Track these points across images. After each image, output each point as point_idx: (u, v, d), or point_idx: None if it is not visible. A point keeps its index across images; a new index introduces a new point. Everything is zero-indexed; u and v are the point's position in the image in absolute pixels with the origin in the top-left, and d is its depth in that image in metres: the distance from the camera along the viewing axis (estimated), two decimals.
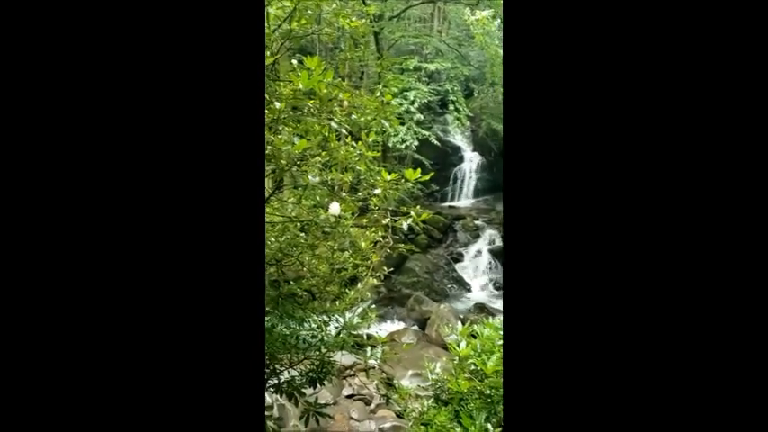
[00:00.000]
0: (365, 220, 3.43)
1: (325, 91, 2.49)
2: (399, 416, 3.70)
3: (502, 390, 2.51)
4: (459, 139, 14.71)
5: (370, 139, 2.99)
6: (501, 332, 2.80)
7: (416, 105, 10.13)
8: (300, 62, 2.40)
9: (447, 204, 14.51)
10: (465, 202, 14.85)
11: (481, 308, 8.92)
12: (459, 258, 11.39)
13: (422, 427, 2.56)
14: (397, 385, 3.12)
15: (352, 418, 4.51)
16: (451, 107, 11.99)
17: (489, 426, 2.26)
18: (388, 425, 4.25)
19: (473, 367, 2.70)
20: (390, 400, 3.21)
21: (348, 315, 3.15)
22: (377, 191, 2.76)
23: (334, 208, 2.44)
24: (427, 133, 10.29)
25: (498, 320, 2.97)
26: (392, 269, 9.75)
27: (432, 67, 11.38)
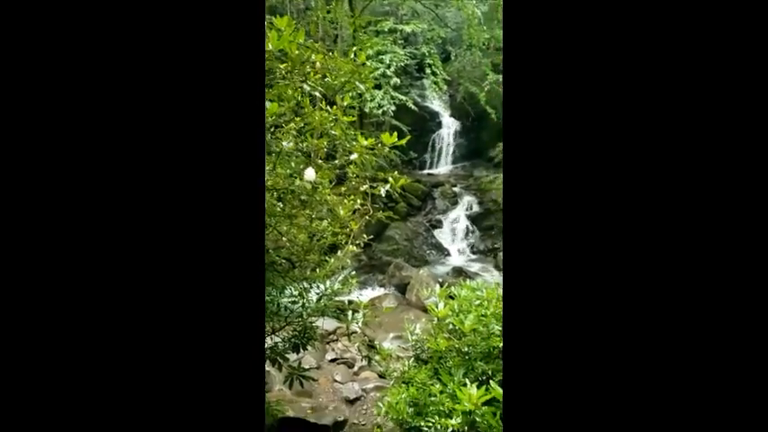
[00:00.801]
0: (343, 188, 3.41)
1: (296, 52, 2.41)
2: (381, 376, 3.84)
3: (479, 347, 2.62)
4: (436, 104, 14.57)
5: (345, 103, 2.93)
6: (477, 293, 2.89)
7: (393, 69, 9.91)
8: (270, 23, 2.29)
9: (426, 171, 14.52)
10: (443, 168, 14.88)
11: (459, 271, 9.17)
12: (437, 225, 11.55)
13: (403, 385, 2.66)
14: (378, 347, 3.22)
15: (335, 381, 4.65)
16: (428, 71, 11.77)
17: (467, 381, 2.37)
18: (370, 385, 4.41)
19: (451, 327, 2.80)
20: (372, 362, 3.31)
21: (329, 282, 3.18)
22: (353, 156, 2.73)
23: (309, 174, 2.41)
24: (404, 98, 10.14)
25: (475, 282, 3.06)
26: (372, 237, 9.84)
27: (407, 28, 11.06)
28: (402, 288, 8.49)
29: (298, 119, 2.74)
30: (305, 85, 2.52)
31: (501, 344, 2.49)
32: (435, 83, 11.58)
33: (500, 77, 12.13)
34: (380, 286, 8.91)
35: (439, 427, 2.24)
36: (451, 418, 2.23)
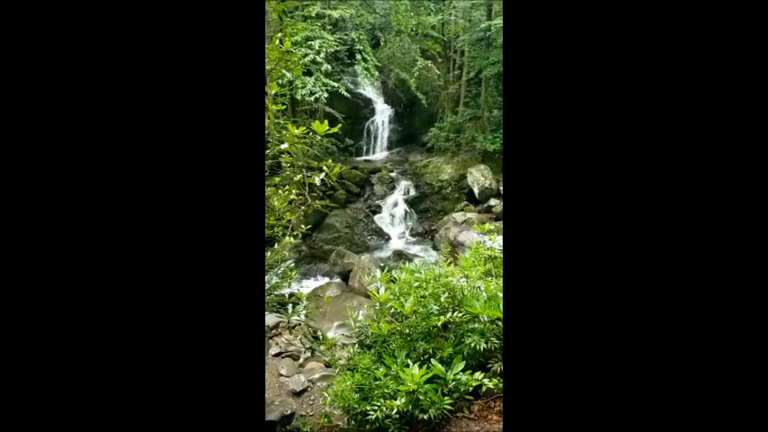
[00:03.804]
0: (277, 179, 3.30)
1: None
2: (328, 366, 3.84)
3: (419, 328, 2.70)
4: (369, 90, 14.52)
5: (273, 92, 2.81)
6: (416, 275, 2.95)
7: (323, 55, 9.69)
8: None
9: (363, 158, 14.50)
10: (380, 155, 14.95)
11: (400, 255, 9.35)
12: (377, 210, 11.65)
13: (348, 372, 2.67)
14: (322, 337, 3.20)
15: (281, 375, 4.56)
16: (359, 57, 11.67)
17: (409, 361, 2.43)
18: (317, 375, 4.39)
19: (393, 310, 2.84)
20: (317, 352, 3.29)
21: (266, 277, 3.09)
22: (284, 146, 2.64)
23: None
24: (336, 85, 9.98)
25: (413, 264, 3.12)
26: (312, 227, 9.72)
27: (335, 14, 10.84)
28: (345, 275, 8.49)
29: None
30: None
31: (439, 322, 2.58)
32: (367, 69, 11.51)
33: (429, 62, 12.34)
34: (323, 275, 8.85)
35: (384, 409, 2.28)
36: (396, 399, 2.28)
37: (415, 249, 10.12)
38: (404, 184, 12.39)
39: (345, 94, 10.42)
